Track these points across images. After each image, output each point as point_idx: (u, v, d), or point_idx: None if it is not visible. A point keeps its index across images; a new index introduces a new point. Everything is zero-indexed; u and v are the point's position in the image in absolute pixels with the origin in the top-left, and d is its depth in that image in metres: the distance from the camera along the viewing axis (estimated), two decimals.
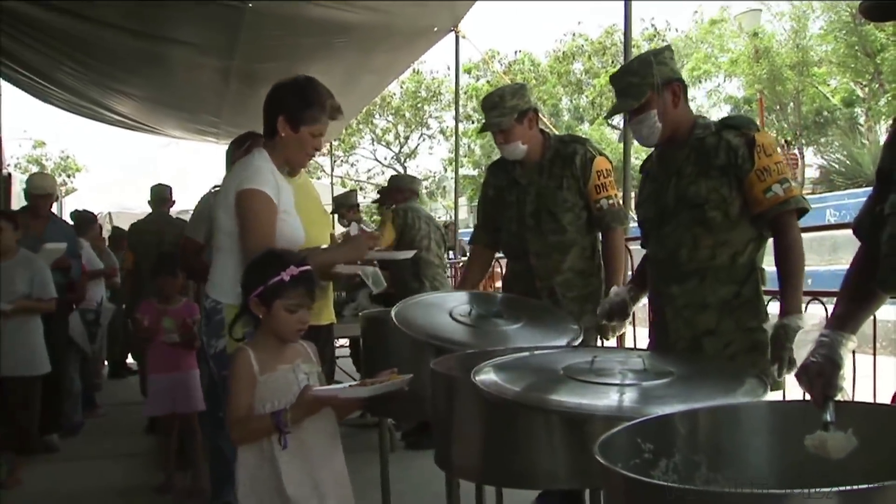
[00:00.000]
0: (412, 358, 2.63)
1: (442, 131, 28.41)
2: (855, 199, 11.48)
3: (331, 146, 17.66)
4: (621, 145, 5.78)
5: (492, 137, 3.52)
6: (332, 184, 16.37)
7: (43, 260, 4.95)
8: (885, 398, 1.71)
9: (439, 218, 12.22)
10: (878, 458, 1.36)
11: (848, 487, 0.97)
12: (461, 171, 16.95)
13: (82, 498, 4.56)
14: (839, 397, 1.54)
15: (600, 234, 3.46)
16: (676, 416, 1.46)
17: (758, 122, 2.98)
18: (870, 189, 1.81)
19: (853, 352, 1.73)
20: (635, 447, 1.36)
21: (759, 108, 19.74)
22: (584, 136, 6.09)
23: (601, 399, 1.78)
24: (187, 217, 5.20)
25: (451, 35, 7.46)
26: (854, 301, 1.77)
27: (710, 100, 25.01)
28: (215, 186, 3.83)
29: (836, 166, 17.73)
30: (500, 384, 1.85)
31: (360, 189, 25.44)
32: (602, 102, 23.67)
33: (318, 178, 24.01)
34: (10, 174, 9.62)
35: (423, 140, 29.42)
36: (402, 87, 27.27)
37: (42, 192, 5.67)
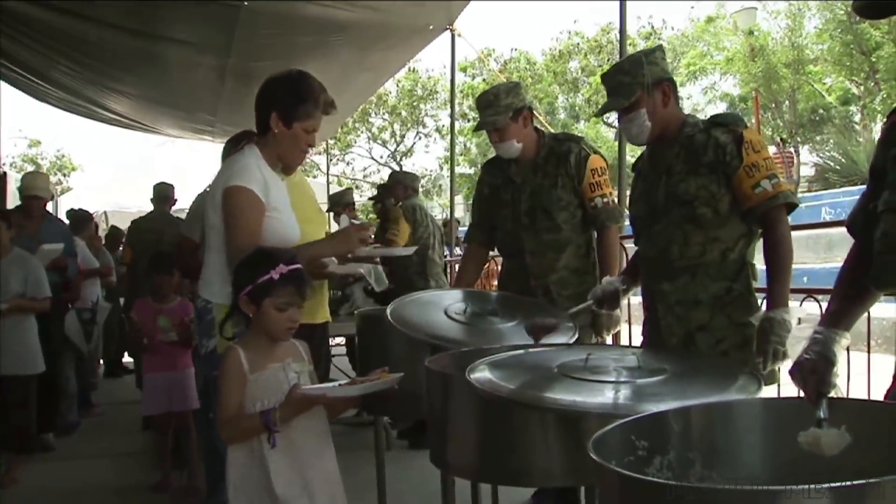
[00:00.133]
0: (407, 356, 2.63)
1: (438, 129, 28.42)
2: (850, 196, 11.49)
3: (327, 144, 17.63)
4: (617, 143, 5.80)
5: (487, 136, 3.52)
6: (328, 182, 16.33)
7: (40, 261, 4.94)
8: (879, 395, 1.72)
9: (436, 216, 12.21)
10: (871, 455, 1.36)
11: (841, 483, 0.97)
12: (457, 170, 16.91)
13: (78, 497, 4.56)
14: (833, 394, 1.55)
15: (595, 233, 3.46)
16: (670, 413, 1.46)
17: (753, 120, 3.00)
18: (865, 187, 1.82)
19: (848, 349, 1.73)
20: (629, 444, 1.36)
21: (755, 106, 19.75)
22: (579, 134, 6.10)
23: (596, 396, 1.78)
24: (184, 216, 5.20)
25: (447, 33, 7.45)
26: (848, 298, 1.77)
27: (706, 97, 25.09)
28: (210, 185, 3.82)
29: (832, 164, 17.77)
30: (494, 382, 1.85)
31: (357, 187, 25.42)
32: (598, 100, 23.65)
33: (315, 177, 24.01)
34: (5, 173, 9.59)
35: (420, 138, 29.44)
36: (398, 86, 27.25)
37: (33, 192, 5.63)
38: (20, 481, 4.72)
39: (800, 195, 15.05)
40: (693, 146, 2.71)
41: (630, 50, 5.20)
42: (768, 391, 2.14)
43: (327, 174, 17.76)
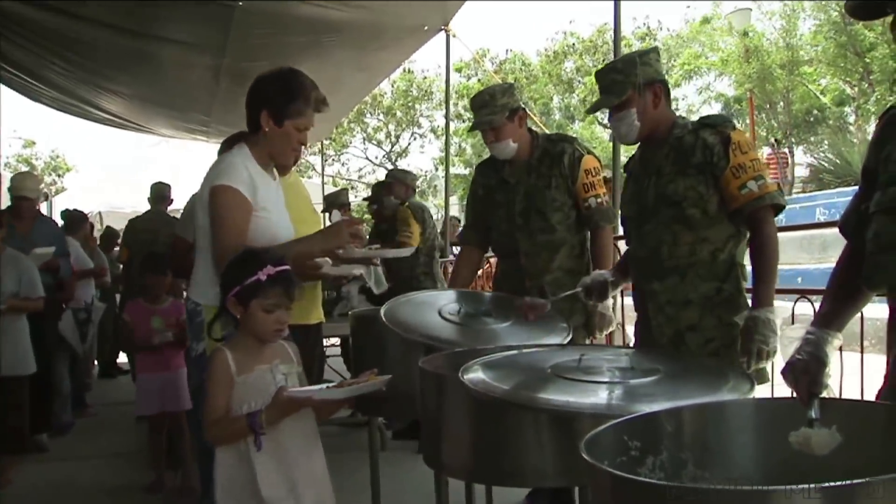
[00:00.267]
0: (402, 356, 2.63)
1: (433, 130, 28.37)
2: (844, 197, 11.49)
3: (321, 145, 17.60)
4: (611, 144, 5.80)
5: (482, 136, 3.52)
6: (322, 182, 16.33)
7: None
8: (872, 396, 1.72)
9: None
10: (862, 454, 1.36)
11: (832, 483, 0.98)
12: (452, 170, 16.88)
13: (72, 497, 4.55)
14: (825, 394, 1.55)
15: (589, 233, 3.47)
16: (663, 413, 1.47)
17: (748, 121, 3.01)
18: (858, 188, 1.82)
19: (841, 349, 1.74)
20: (622, 445, 1.36)
21: (750, 107, 19.80)
22: (574, 134, 6.11)
23: (588, 397, 1.78)
24: (179, 216, 5.19)
25: (442, 34, 7.46)
26: (840, 299, 1.78)
27: (701, 97, 25.14)
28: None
29: (826, 165, 17.77)
30: (488, 382, 1.86)
31: (352, 188, 25.39)
32: (593, 101, 23.61)
33: (309, 177, 24.00)
34: None
35: (415, 139, 29.40)
36: (393, 86, 27.22)
37: (21, 192, 5.58)
38: (14, 482, 4.70)
39: (794, 196, 15.10)
40: (682, 147, 2.73)
41: (625, 50, 5.22)
42: (761, 391, 2.14)
43: (322, 174, 17.73)
